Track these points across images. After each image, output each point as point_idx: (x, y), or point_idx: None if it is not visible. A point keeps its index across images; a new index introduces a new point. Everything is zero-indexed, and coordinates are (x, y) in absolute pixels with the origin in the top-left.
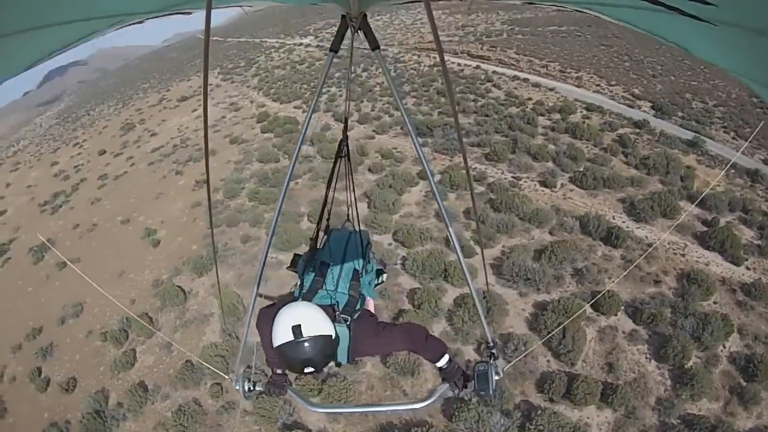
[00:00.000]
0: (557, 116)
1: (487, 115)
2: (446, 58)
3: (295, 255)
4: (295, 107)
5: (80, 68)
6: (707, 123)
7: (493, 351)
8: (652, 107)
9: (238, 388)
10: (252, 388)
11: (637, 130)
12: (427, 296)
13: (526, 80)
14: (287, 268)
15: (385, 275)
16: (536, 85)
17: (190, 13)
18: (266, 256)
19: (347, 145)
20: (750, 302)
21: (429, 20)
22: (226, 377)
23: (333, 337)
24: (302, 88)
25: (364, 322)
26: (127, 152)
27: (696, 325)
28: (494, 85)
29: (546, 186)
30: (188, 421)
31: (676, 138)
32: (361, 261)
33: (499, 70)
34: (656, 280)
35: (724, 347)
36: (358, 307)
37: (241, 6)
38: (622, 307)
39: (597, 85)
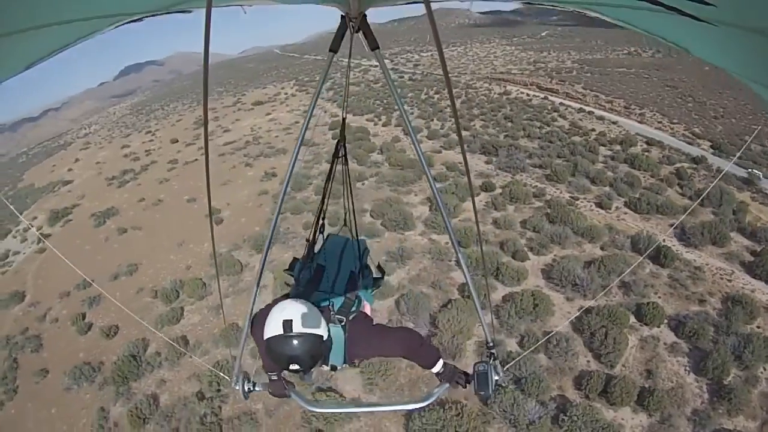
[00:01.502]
0: (618, 147)
1: (550, 141)
2: (516, 88)
3: (294, 259)
4: (367, 120)
5: (156, 68)
6: (764, 164)
7: (493, 351)
8: (711, 146)
9: (237, 388)
10: (252, 389)
11: (695, 165)
12: (477, 290)
13: (590, 113)
14: (284, 271)
15: (382, 281)
16: (600, 118)
17: (190, 12)
18: (265, 258)
19: (344, 146)
20: None
21: (429, 20)
22: (227, 378)
23: (324, 338)
24: (375, 103)
25: (360, 323)
26: (198, 143)
27: (737, 344)
28: (560, 115)
29: (601, 207)
30: (224, 379)
31: (732, 175)
32: (357, 264)
33: (566, 102)
34: (701, 299)
35: (765, 369)
36: (354, 308)
37: (241, 6)
38: (666, 320)
39: (659, 122)
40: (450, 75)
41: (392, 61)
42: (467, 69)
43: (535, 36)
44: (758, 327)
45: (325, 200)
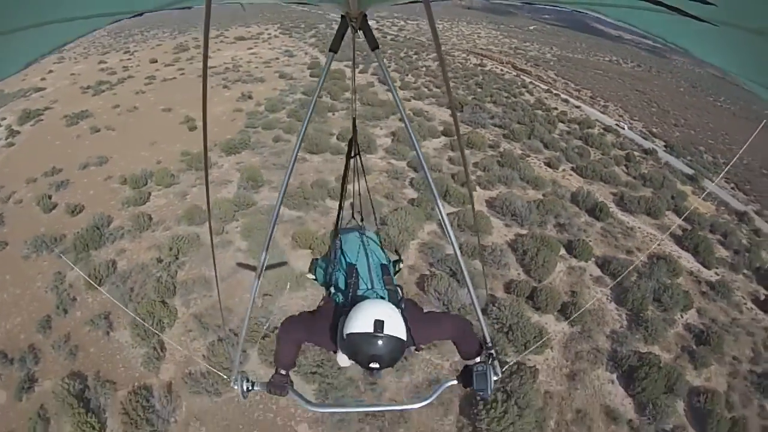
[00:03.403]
0: (576, 126)
1: (514, 110)
2: (492, 63)
3: (314, 260)
4: (346, 66)
5: None
6: (712, 171)
7: (492, 352)
8: (665, 145)
9: (236, 387)
10: (250, 388)
11: (645, 155)
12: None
13: (557, 95)
14: (308, 275)
15: (401, 263)
16: (565, 100)
17: (190, 8)
18: (266, 253)
19: (357, 144)
20: (713, 295)
21: (429, 20)
22: (225, 377)
23: (404, 343)
24: (356, 52)
25: (413, 311)
26: (178, 65)
27: (658, 288)
28: (528, 91)
29: (550, 166)
30: (183, 246)
31: (679, 170)
32: (384, 255)
33: (536, 82)
34: (629, 251)
35: (682, 316)
36: (400, 297)
37: (240, 3)
38: (593, 258)
39: (620, 116)
40: (429, 44)
41: (378, 22)
42: (449, 42)
43: (522, 28)
44: (679, 283)
45: (342, 199)
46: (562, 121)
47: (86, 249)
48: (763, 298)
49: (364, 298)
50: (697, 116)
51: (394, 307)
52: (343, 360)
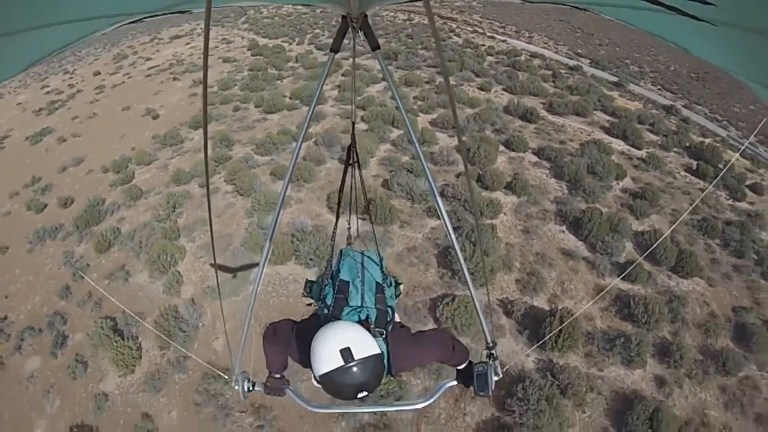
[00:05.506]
0: (503, 57)
1: (444, 51)
2: (419, 17)
3: (308, 281)
4: (283, 41)
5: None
6: (638, 78)
7: (493, 352)
8: (590, 62)
9: (237, 388)
10: (251, 388)
11: (571, 71)
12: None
13: (483, 34)
14: (302, 294)
15: (402, 286)
16: (491, 37)
17: (190, 12)
18: (264, 262)
19: (356, 152)
20: (645, 167)
21: (429, 21)
22: (225, 376)
23: (381, 354)
24: (290, 29)
25: (400, 333)
26: (123, 71)
27: (590, 162)
28: (455, 34)
29: (482, 90)
30: (177, 201)
31: (604, 80)
32: (380, 274)
33: (463, 26)
34: (561, 141)
35: (618, 183)
36: (389, 319)
37: (240, 6)
38: (530, 149)
39: (545, 44)
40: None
41: None
42: (374, 6)
43: None
44: (612, 159)
45: (339, 208)
46: (491, 54)
47: (87, 226)
48: (695, 167)
49: (342, 315)
50: (622, 35)
51: (351, 324)
52: None
